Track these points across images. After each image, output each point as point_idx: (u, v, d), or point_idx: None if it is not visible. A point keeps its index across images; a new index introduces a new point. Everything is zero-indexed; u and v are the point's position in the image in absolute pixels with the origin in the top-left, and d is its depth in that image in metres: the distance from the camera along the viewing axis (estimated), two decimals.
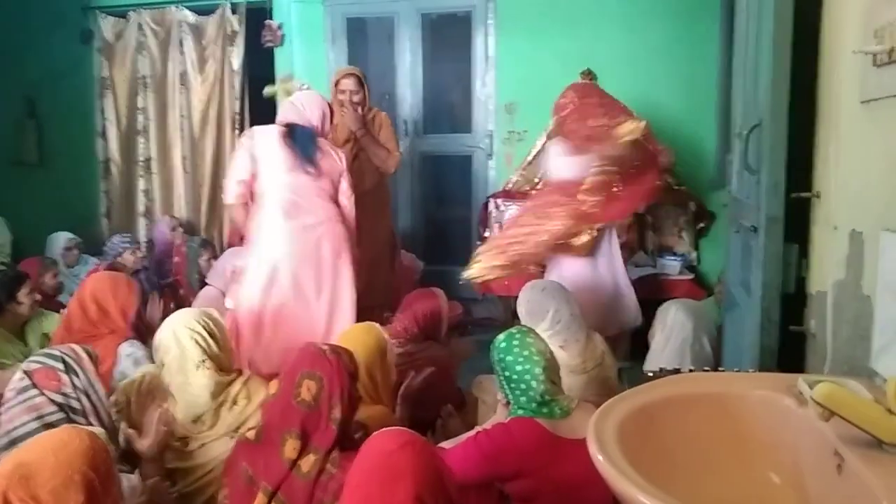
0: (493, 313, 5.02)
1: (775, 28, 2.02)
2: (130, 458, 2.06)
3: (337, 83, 3.82)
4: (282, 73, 4.07)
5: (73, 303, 2.89)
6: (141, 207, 5.79)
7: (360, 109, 3.78)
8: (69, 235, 4.56)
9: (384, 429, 1.48)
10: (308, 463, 1.73)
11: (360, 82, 3.78)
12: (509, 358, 1.98)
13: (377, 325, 2.63)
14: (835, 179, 1.84)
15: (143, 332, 3.02)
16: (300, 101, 3.23)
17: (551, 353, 2.05)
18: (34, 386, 1.92)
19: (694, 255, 4.75)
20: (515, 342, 2.01)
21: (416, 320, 2.93)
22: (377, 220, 3.94)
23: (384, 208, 4.03)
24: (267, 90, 4.25)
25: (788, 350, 2.12)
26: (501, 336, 2.06)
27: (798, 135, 2.05)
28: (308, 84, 4.08)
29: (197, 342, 2.17)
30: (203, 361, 2.14)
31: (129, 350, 2.72)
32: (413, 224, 5.41)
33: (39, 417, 1.89)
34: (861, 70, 1.65)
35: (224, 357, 2.24)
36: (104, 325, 2.82)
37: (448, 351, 3.00)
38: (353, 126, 3.76)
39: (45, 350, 2.12)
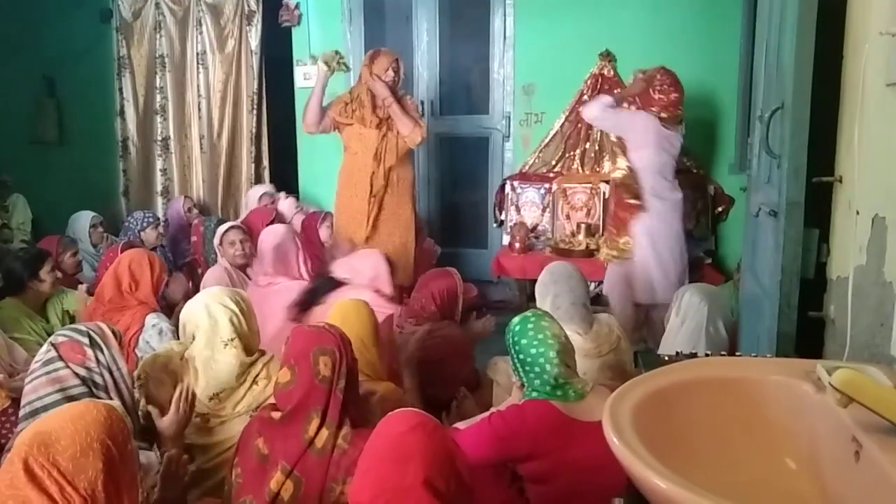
0: (508, 296, 5.02)
1: (800, 8, 1.98)
2: (149, 435, 2.09)
3: (373, 62, 3.91)
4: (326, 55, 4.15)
5: (108, 274, 3.00)
6: (159, 186, 5.84)
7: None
8: (93, 213, 4.61)
9: (397, 410, 1.48)
10: (322, 438, 1.74)
11: (397, 63, 3.93)
12: (524, 341, 1.98)
13: (366, 301, 2.65)
14: (858, 163, 1.81)
15: (164, 307, 3.10)
16: (355, 261, 3.44)
17: (566, 336, 2.05)
18: (60, 358, 1.96)
19: (712, 239, 4.72)
20: (530, 325, 2.01)
21: (433, 299, 2.95)
22: (400, 202, 3.97)
23: (407, 190, 4.05)
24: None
25: (806, 336, 2.11)
26: (516, 319, 2.06)
27: (821, 118, 2.02)
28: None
29: (231, 320, 2.18)
30: (232, 339, 2.16)
31: (154, 321, 2.85)
32: (428, 206, 5.40)
33: (62, 390, 1.92)
34: (888, 52, 1.61)
35: (251, 337, 2.25)
36: (134, 297, 2.92)
37: (464, 330, 3.01)
38: (380, 94, 3.85)
39: (73, 325, 2.15)
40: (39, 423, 1.32)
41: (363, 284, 3.26)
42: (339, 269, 3.37)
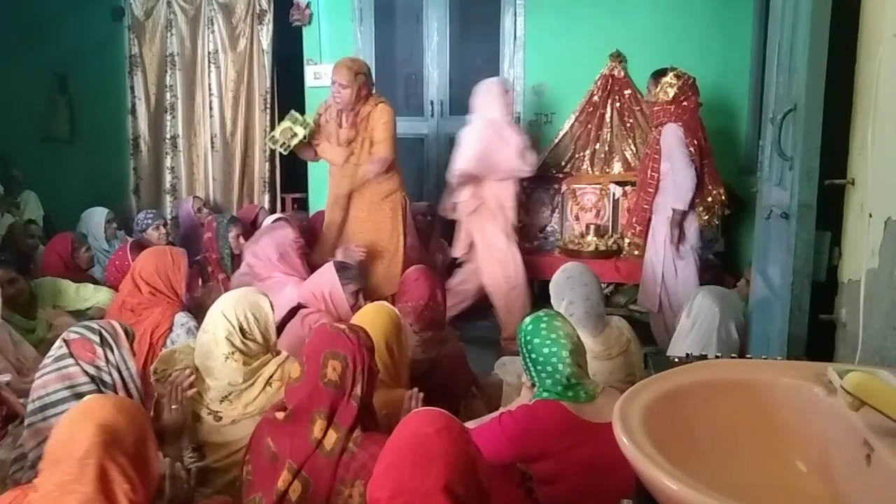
0: None
1: (813, 9, 1.97)
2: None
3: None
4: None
5: (126, 281, 3.00)
6: (167, 185, 5.87)
7: (352, 104, 3.78)
8: (106, 210, 4.65)
9: (423, 408, 1.48)
10: (331, 441, 1.73)
11: (352, 77, 3.70)
12: (536, 340, 1.98)
13: (389, 304, 2.63)
14: (871, 166, 1.80)
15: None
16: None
17: (578, 336, 2.05)
18: (70, 355, 1.98)
19: (721, 241, 4.70)
20: (543, 325, 2.00)
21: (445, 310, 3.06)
22: (376, 213, 3.94)
23: (388, 202, 3.99)
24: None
25: (817, 339, 2.10)
26: (528, 318, 2.06)
27: (833, 120, 2.00)
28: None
29: (227, 337, 2.18)
30: (232, 353, 2.17)
31: (183, 319, 2.84)
32: (437, 206, 5.38)
33: (71, 387, 1.94)
34: None
35: (257, 346, 2.24)
36: (160, 297, 2.92)
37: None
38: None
39: (86, 322, 2.17)
40: None
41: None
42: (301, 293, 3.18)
